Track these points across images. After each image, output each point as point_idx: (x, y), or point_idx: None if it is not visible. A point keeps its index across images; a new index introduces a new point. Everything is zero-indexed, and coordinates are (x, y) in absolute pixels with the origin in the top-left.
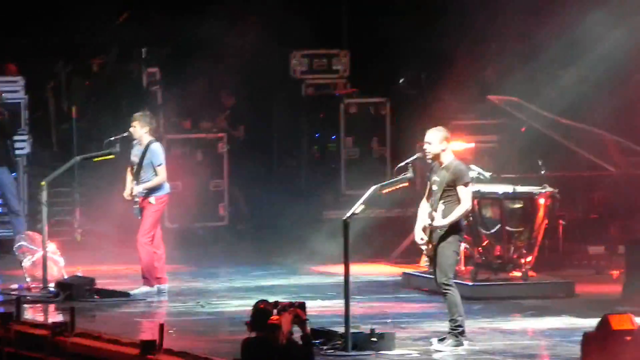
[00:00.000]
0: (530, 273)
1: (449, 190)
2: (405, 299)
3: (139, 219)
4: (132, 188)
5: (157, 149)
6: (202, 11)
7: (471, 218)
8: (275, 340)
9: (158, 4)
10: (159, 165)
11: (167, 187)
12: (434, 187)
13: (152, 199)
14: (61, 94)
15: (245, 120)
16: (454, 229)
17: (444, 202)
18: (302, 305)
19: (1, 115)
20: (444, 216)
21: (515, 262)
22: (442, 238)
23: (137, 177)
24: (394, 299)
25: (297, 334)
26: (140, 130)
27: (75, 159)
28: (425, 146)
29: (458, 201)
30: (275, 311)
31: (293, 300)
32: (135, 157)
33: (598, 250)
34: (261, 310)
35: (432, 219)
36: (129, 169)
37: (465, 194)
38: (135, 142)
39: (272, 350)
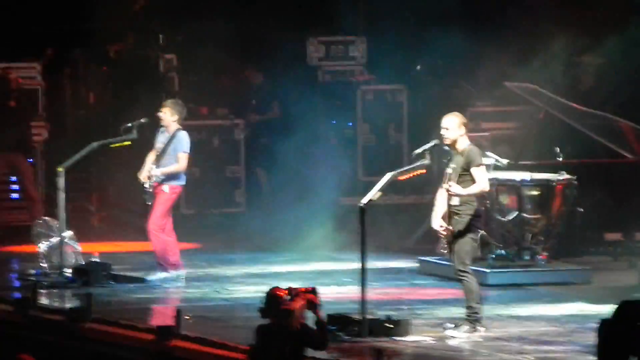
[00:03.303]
0: (547, 260)
1: (465, 174)
2: (421, 285)
3: (151, 205)
4: (150, 170)
5: (185, 137)
6: None
7: (488, 203)
8: (289, 326)
9: None
10: (182, 152)
11: (183, 179)
12: (450, 171)
13: (166, 187)
14: (78, 80)
15: (261, 106)
16: (471, 216)
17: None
18: (314, 291)
19: (18, 101)
20: (461, 201)
21: (532, 249)
22: (460, 224)
23: (158, 162)
24: (409, 285)
25: (311, 319)
26: (170, 117)
27: (92, 145)
28: (443, 132)
29: (473, 184)
30: (288, 297)
31: (306, 286)
32: (160, 143)
33: (615, 237)
34: (274, 297)
35: (449, 200)
36: (152, 153)
37: (479, 174)
38: (161, 129)
39: (285, 336)
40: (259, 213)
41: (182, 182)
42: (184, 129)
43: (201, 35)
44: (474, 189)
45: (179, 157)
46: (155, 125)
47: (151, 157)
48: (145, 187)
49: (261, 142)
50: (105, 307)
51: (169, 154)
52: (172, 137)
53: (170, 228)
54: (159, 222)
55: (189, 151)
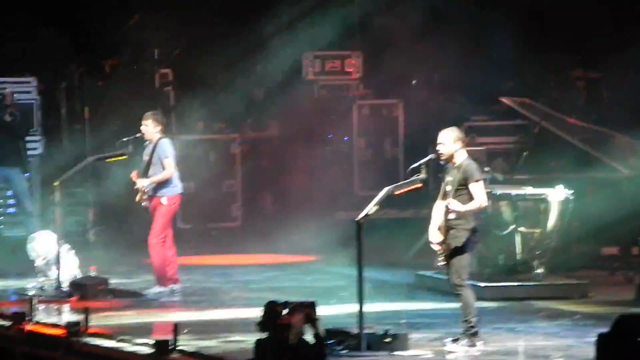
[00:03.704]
0: (544, 274)
1: (462, 189)
2: (418, 299)
3: (150, 219)
4: (140, 185)
5: (166, 143)
6: (213, 12)
7: (484, 216)
8: (287, 340)
9: (169, 6)
10: (166, 158)
11: (179, 188)
12: (448, 187)
13: (163, 200)
14: (74, 95)
15: (258, 122)
16: (469, 230)
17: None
18: (312, 305)
19: (13, 116)
20: (458, 216)
21: (528, 263)
22: (457, 239)
23: (145, 174)
24: (407, 299)
25: (309, 333)
26: (152, 129)
27: (88, 159)
28: (439, 147)
29: (471, 199)
30: (286, 311)
31: (304, 300)
32: (146, 155)
33: (612, 251)
34: (272, 311)
35: (447, 215)
36: (133, 175)
37: (478, 190)
38: (146, 143)
39: (283, 350)
40: (257, 228)
41: (178, 191)
42: (180, 141)
43: (197, 49)
44: (472, 205)
45: (165, 163)
46: None
47: (134, 178)
48: (144, 204)
49: (257, 157)
50: (102, 322)
51: (155, 164)
52: (155, 146)
53: (171, 241)
54: (159, 235)
55: (172, 156)
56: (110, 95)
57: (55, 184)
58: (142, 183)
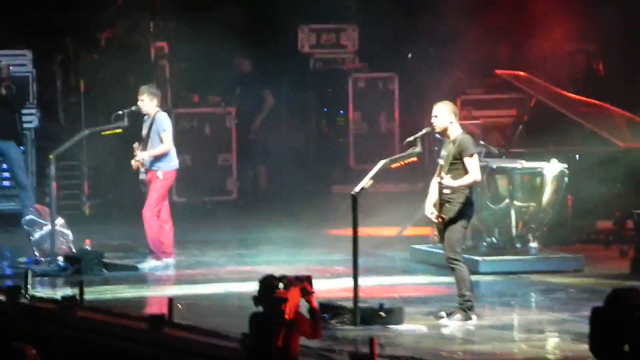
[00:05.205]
0: (539, 248)
1: (456, 162)
2: (413, 273)
3: (145, 192)
4: (137, 156)
5: (163, 117)
6: None
7: (479, 190)
8: (282, 313)
9: None
10: (163, 132)
11: (175, 163)
12: (442, 162)
13: (159, 173)
14: (69, 68)
15: (249, 94)
16: (463, 204)
17: (451, 176)
18: (309, 279)
19: (9, 89)
20: (452, 189)
21: (523, 237)
22: (451, 213)
23: (144, 148)
24: (402, 273)
25: (304, 307)
26: (149, 103)
27: (83, 132)
28: (433, 119)
29: (465, 173)
30: (281, 285)
31: (300, 274)
32: (145, 129)
33: (606, 225)
34: (268, 284)
35: (441, 190)
36: (135, 145)
37: (472, 164)
38: (145, 117)
39: (279, 324)
40: (252, 201)
41: (174, 166)
42: (175, 115)
43: (192, 22)
44: (466, 180)
45: (163, 136)
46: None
47: (136, 148)
48: (141, 177)
49: (252, 131)
50: (97, 296)
51: (153, 138)
52: (153, 120)
53: (167, 215)
54: (153, 209)
55: (169, 130)
56: (105, 69)
57: (51, 157)
58: (141, 156)
